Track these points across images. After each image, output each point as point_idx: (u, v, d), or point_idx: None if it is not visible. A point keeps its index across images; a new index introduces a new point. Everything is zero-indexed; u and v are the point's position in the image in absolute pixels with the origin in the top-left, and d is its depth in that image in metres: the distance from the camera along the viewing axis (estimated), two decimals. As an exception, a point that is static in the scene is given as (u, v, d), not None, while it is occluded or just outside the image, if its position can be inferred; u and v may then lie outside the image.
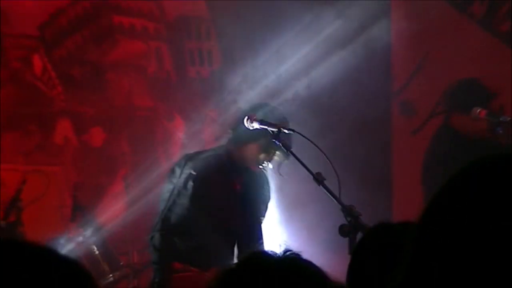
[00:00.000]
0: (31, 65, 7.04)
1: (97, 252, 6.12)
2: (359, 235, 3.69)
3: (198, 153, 4.76)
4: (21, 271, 1.21)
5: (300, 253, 1.87)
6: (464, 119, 6.41)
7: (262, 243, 4.58)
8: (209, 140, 6.84)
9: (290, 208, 6.26)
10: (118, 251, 6.24)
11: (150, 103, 7.04)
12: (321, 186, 4.01)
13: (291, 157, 4.21)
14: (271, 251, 1.83)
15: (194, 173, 4.53)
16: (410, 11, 6.86)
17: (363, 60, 6.80)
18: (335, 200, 3.90)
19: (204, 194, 4.52)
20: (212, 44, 7.09)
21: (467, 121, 6.20)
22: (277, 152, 4.40)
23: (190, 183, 4.51)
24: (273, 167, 4.53)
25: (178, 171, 4.57)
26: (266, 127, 4.31)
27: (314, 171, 4.08)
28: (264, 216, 4.69)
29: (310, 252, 2.04)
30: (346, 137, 6.77)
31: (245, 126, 4.30)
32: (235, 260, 4.31)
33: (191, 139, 6.91)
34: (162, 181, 6.76)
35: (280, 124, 4.28)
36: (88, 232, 6.18)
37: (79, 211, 6.54)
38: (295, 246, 1.94)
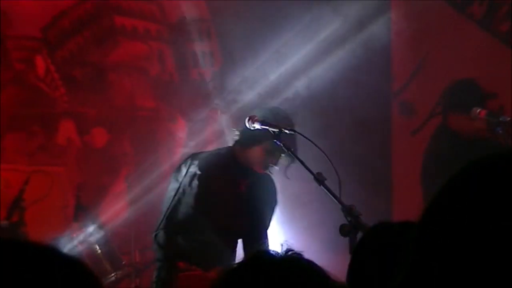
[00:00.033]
0: (34, 67, 7.04)
1: (99, 251, 6.12)
2: (359, 235, 3.68)
3: (204, 153, 4.76)
4: (23, 271, 1.21)
5: (301, 253, 1.87)
6: (460, 119, 6.41)
7: (267, 245, 4.56)
8: (211, 140, 6.84)
9: (291, 207, 6.26)
10: (120, 251, 6.24)
11: (152, 104, 7.04)
12: (321, 186, 4.02)
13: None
14: (273, 251, 1.82)
15: (199, 172, 4.52)
16: (410, 11, 6.86)
17: (363, 60, 6.80)
18: (335, 200, 3.90)
19: (208, 194, 4.51)
20: (213, 45, 7.09)
21: (464, 121, 6.21)
22: (283, 155, 4.37)
23: (195, 182, 4.50)
24: (280, 170, 4.50)
25: (184, 169, 4.56)
26: (267, 127, 4.30)
27: (315, 171, 4.08)
28: (270, 220, 4.66)
29: (312, 252, 2.04)
30: (346, 137, 6.77)
31: (277, 142, 4.29)
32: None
33: (192, 139, 6.92)
34: (164, 181, 6.78)
35: (281, 125, 4.28)
36: (90, 229, 6.19)
37: (82, 211, 6.54)
38: (296, 246, 1.93)
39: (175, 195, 4.54)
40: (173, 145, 6.96)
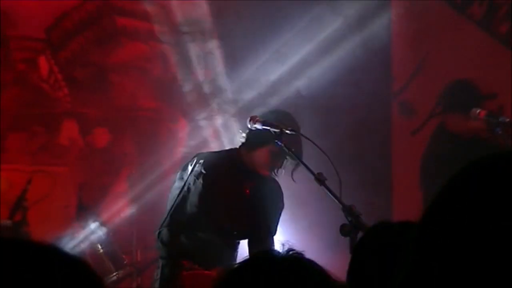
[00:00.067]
0: (37, 67, 7.04)
1: (101, 251, 6.13)
2: (359, 235, 3.68)
3: (211, 153, 4.75)
4: (24, 270, 1.20)
5: (302, 252, 1.87)
6: (458, 120, 6.43)
7: (272, 247, 4.52)
8: (212, 141, 6.84)
9: (292, 207, 6.25)
10: (121, 250, 6.24)
11: (154, 105, 7.04)
12: (322, 186, 4.02)
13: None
14: (274, 251, 1.82)
15: (204, 171, 4.50)
16: (410, 12, 6.86)
17: (363, 60, 6.80)
18: (336, 200, 3.90)
19: (212, 194, 4.50)
20: (215, 45, 7.09)
21: (461, 122, 6.22)
22: (287, 158, 4.35)
23: (200, 181, 4.49)
24: (287, 173, 4.47)
25: (189, 168, 4.55)
26: (268, 128, 4.30)
27: (315, 171, 4.08)
28: (275, 222, 4.62)
29: (312, 251, 2.03)
30: (346, 137, 6.76)
31: (256, 130, 4.29)
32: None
33: (194, 140, 6.92)
34: (165, 181, 6.78)
35: (282, 125, 4.28)
36: (92, 226, 6.19)
37: (83, 210, 6.55)
38: (297, 245, 1.93)
39: (179, 193, 4.52)
40: (174, 145, 6.96)
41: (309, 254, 1.91)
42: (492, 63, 6.76)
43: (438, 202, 1.19)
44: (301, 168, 4.24)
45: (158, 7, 7.01)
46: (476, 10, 6.92)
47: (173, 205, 4.53)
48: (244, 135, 4.55)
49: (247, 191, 4.54)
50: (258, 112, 4.73)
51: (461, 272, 1.10)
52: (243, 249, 4.67)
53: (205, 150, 4.85)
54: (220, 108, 6.96)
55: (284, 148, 4.21)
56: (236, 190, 4.53)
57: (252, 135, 4.43)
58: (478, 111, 5.18)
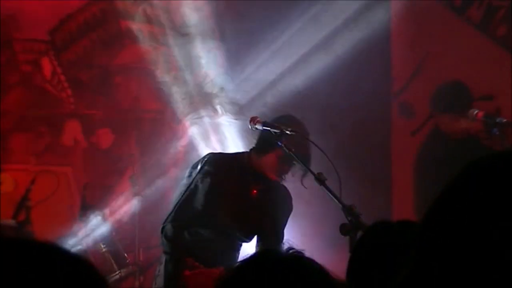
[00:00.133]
0: (41, 69, 7.04)
1: (104, 250, 6.13)
2: (359, 234, 3.67)
3: (221, 154, 4.75)
4: (26, 270, 1.19)
5: (303, 251, 1.86)
6: (449, 120, 6.45)
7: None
8: (214, 141, 6.84)
9: (294, 205, 6.24)
10: (124, 249, 6.24)
11: (157, 106, 7.03)
12: (322, 186, 4.01)
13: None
14: (274, 250, 1.81)
15: (213, 171, 4.49)
16: (410, 13, 6.85)
17: (362, 61, 6.79)
18: (336, 200, 3.89)
19: (218, 194, 4.48)
20: (216, 46, 7.08)
21: (452, 122, 6.24)
22: (296, 163, 4.32)
23: (208, 180, 4.48)
24: (296, 178, 4.45)
25: (199, 167, 4.54)
26: (268, 128, 4.30)
27: (316, 171, 4.07)
28: (282, 227, 4.60)
29: (313, 249, 2.02)
30: (346, 137, 6.76)
31: (266, 135, 4.28)
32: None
33: (195, 140, 6.91)
34: (168, 181, 6.79)
35: (281, 126, 4.27)
36: (95, 221, 6.20)
37: (87, 210, 6.55)
38: (297, 244, 1.92)
39: (186, 190, 4.52)
40: (176, 146, 6.95)
41: (309, 253, 1.90)
42: (490, 65, 6.76)
43: (438, 203, 1.18)
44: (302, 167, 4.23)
45: (160, 10, 7.01)
46: (475, 12, 6.92)
47: (179, 202, 4.52)
48: (254, 140, 4.53)
49: (254, 193, 4.53)
50: (258, 112, 4.72)
51: (461, 272, 1.10)
52: (245, 250, 4.66)
53: (228, 152, 4.81)
54: (221, 108, 6.96)
55: (285, 149, 4.21)
56: (243, 192, 4.52)
57: (261, 140, 4.42)
58: (475, 112, 5.17)
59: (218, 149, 6.43)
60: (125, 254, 6.22)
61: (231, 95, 6.96)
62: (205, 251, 4.48)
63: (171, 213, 4.53)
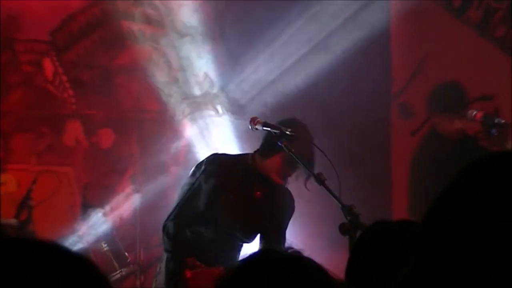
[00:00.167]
0: (42, 69, 7.04)
1: (106, 249, 6.13)
2: (359, 234, 3.66)
3: (225, 155, 4.72)
4: (27, 270, 1.18)
5: (301, 251, 1.86)
6: (443, 121, 6.46)
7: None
8: (215, 141, 6.84)
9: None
10: (125, 249, 6.24)
11: (158, 106, 7.03)
12: (322, 186, 4.01)
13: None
14: (273, 250, 1.81)
15: (217, 171, 4.48)
16: (409, 15, 6.85)
17: (362, 61, 6.79)
18: (335, 200, 3.89)
19: (221, 194, 4.47)
20: (217, 47, 7.08)
21: (447, 123, 6.26)
22: (300, 166, 4.30)
23: (211, 180, 4.46)
24: (300, 180, 4.44)
25: (203, 167, 4.53)
26: (268, 129, 4.29)
27: (316, 171, 4.07)
28: (284, 229, 4.58)
29: (313, 249, 2.02)
30: (346, 137, 6.75)
31: (270, 138, 4.27)
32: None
33: (197, 141, 6.91)
34: (169, 181, 6.79)
35: (281, 126, 4.27)
36: (95, 218, 6.21)
37: (88, 210, 6.55)
38: (298, 243, 1.92)
39: (189, 189, 4.50)
40: (177, 146, 6.95)
41: (309, 252, 1.90)
42: (489, 66, 6.77)
43: (438, 203, 1.18)
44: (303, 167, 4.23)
45: (160, 10, 7.01)
46: (474, 13, 6.93)
47: (181, 200, 4.51)
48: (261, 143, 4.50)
49: (257, 195, 4.51)
50: (258, 112, 4.71)
51: (460, 272, 1.10)
52: (245, 250, 4.65)
53: (233, 154, 4.79)
54: (221, 108, 6.96)
55: (285, 149, 4.20)
56: (246, 193, 4.50)
57: (266, 142, 4.40)
58: (474, 112, 5.16)
59: (218, 149, 6.42)
60: (126, 254, 6.22)
61: (231, 95, 6.96)
62: (206, 251, 4.47)
63: (173, 211, 4.52)
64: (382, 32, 6.87)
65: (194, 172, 4.55)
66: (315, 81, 6.76)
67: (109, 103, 7.06)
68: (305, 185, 4.32)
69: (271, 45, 6.85)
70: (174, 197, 4.73)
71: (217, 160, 4.54)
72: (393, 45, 7.00)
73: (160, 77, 7.01)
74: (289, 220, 4.62)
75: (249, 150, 4.81)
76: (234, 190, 4.49)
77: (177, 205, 4.52)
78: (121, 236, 6.36)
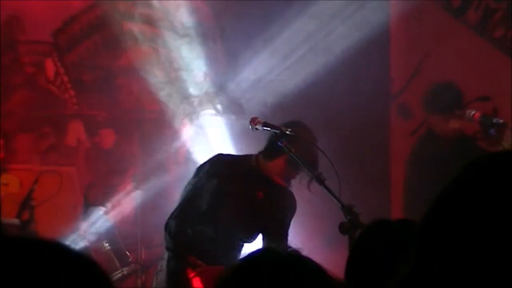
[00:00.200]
0: (44, 70, 7.04)
1: (108, 248, 6.13)
2: (358, 233, 3.66)
3: (230, 155, 4.72)
4: (29, 269, 1.18)
5: (300, 250, 1.85)
6: (439, 121, 6.47)
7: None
8: (215, 141, 6.84)
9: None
10: (126, 248, 6.24)
11: (159, 107, 7.03)
12: (322, 186, 4.01)
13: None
14: (273, 249, 1.81)
15: (220, 172, 4.48)
16: (408, 15, 6.85)
17: (362, 62, 6.79)
18: (335, 200, 3.89)
19: (224, 194, 4.46)
20: (218, 48, 7.08)
21: (442, 122, 6.26)
22: (303, 168, 4.29)
23: (214, 181, 4.46)
24: (303, 183, 4.42)
25: (207, 167, 4.52)
26: (268, 128, 4.29)
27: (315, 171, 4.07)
28: (287, 229, 4.57)
29: (313, 248, 2.02)
30: (345, 137, 6.75)
31: (274, 140, 4.26)
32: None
33: (197, 140, 6.92)
34: (170, 181, 6.79)
35: (281, 126, 4.27)
36: (97, 215, 6.21)
37: (90, 209, 6.56)
38: (298, 242, 1.91)
39: (192, 189, 4.50)
40: (178, 146, 6.95)
41: (309, 252, 1.89)
42: (487, 67, 6.77)
43: (438, 203, 1.18)
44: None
45: (160, 11, 7.01)
46: (472, 15, 6.93)
47: (184, 199, 4.51)
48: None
49: (260, 196, 4.51)
50: (258, 112, 4.70)
51: (461, 272, 1.09)
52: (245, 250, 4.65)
53: (237, 155, 4.78)
54: (221, 108, 6.96)
55: (285, 149, 4.20)
56: (248, 194, 4.50)
57: (270, 144, 4.39)
58: (472, 112, 5.16)
59: (218, 149, 6.42)
60: (128, 253, 6.22)
61: (230, 95, 6.96)
62: (207, 250, 4.47)
63: (176, 210, 4.52)
64: (382, 32, 6.87)
65: (197, 172, 4.55)
66: (315, 81, 6.75)
67: (110, 103, 7.07)
68: (308, 187, 4.30)
69: (271, 45, 6.85)
70: (175, 197, 4.73)
71: (221, 161, 4.53)
72: (392, 45, 7.00)
73: (160, 77, 7.01)
74: (290, 220, 4.61)
75: (248, 149, 4.80)
76: (237, 191, 4.48)
77: (180, 204, 4.52)
78: (122, 235, 6.36)
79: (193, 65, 7.00)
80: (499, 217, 1.10)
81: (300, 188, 4.47)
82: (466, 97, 6.76)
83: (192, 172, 4.67)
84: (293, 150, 4.19)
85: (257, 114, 4.58)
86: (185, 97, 6.99)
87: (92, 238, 6.29)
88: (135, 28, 7.04)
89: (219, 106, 6.98)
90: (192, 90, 6.99)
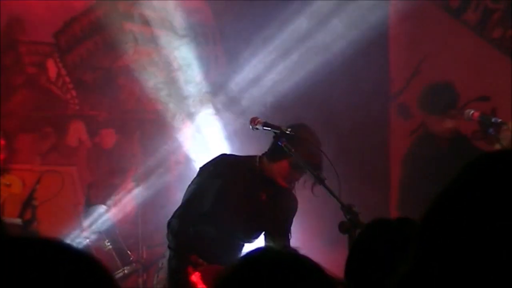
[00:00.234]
0: (46, 71, 7.05)
1: (109, 247, 6.14)
2: (358, 232, 3.66)
3: (233, 156, 4.70)
4: (30, 268, 1.18)
5: (297, 249, 1.85)
6: (435, 120, 6.48)
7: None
8: (215, 140, 6.84)
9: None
10: (128, 248, 6.24)
11: (159, 107, 7.03)
12: (322, 186, 4.01)
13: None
14: (271, 248, 1.81)
15: (224, 172, 4.47)
16: (408, 16, 6.85)
17: (361, 62, 6.79)
18: (335, 199, 3.89)
19: (227, 195, 4.45)
20: (218, 49, 7.09)
21: (437, 122, 6.28)
22: (307, 172, 4.28)
23: (217, 181, 4.45)
24: (307, 187, 4.41)
25: (211, 167, 4.52)
26: (269, 128, 4.29)
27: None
28: (289, 231, 4.57)
29: (313, 247, 2.02)
30: (345, 137, 6.75)
31: (278, 142, 4.26)
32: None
33: (198, 140, 6.91)
34: (170, 181, 6.79)
35: (281, 126, 4.27)
36: (98, 211, 6.21)
37: (92, 209, 6.56)
38: (298, 241, 1.92)
39: (195, 188, 4.49)
40: (178, 146, 6.95)
41: (309, 251, 1.89)
42: (486, 67, 6.77)
43: (438, 203, 1.18)
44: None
45: (160, 12, 7.01)
46: (471, 15, 6.93)
47: (187, 199, 4.50)
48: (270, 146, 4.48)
49: (263, 198, 4.50)
50: (258, 112, 4.70)
51: (461, 272, 1.09)
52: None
53: (241, 155, 4.77)
54: (221, 107, 6.96)
55: (285, 149, 4.20)
56: (251, 195, 4.48)
57: (274, 147, 4.38)
58: (471, 112, 5.16)
59: (219, 149, 6.43)
60: (129, 252, 6.22)
61: (230, 95, 6.96)
62: (208, 249, 4.46)
63: (178, 209, 4.51)
64: (382, 32, 6.87)
65: (201, 172, 4.54)
66: (314, 81, 6.75)
67: (111, 103, 7.07)
68: (311, 190, 4.29)
69: (270, 45, 6.84)
70: (176, 196, 4.72)
71: (225, 161, 4.52)
72: (392, 45, 7.00)
73: (160, 78, 7.01)
74: (292, 220, 4.61)
75: (249, 149, 4.80)
76: (240, 192, 4.47)
77: (183, 203, 4.51)
78: (123, 234, 6.36)
79: (193, 65, 7.00)
80: (499, 217, 1.10)
81: (300, 188, 4.46)
82: (465, 96, 6.77)
83: (192, 171, 4.67)
84: (293, 150, 4.19)
85: (257, 114, 4.57)
86: (185, 97, 6.99)
87: (93, 237, 6.29)
88: (135, 28, 7.04)
89: (219, 106, 6.98)
90: (192, 90, 6.99)
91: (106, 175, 7.00)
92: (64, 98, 7.06)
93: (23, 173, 6.87)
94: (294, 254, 1.74)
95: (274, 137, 4.29)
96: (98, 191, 6.90)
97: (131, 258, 6.17)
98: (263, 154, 4.48)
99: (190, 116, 6.99)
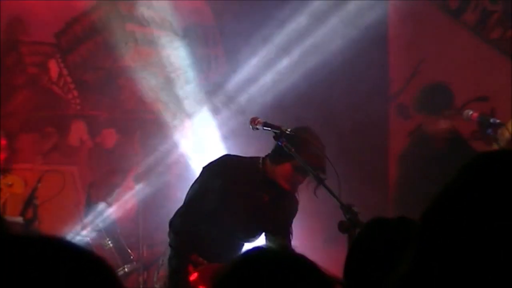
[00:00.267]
0: (47, 70, 7.05)
1: (110, 245, 6.14)
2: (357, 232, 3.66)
3: (237, 157, 4.69)
4: (31, 267, 1.18)
5: (294, 247, 1.85)
6: (430, 121, 6.49)
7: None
8: (215, 140, 6.84)
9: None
10: (128, 246, 6.25)
11: (160, 107, 7.04)
12: (322, 186, 4.01)
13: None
14: (269, 247, 1.81)
15: (226, 173, 4.46)
16: (407, 17, 6.85)
17: (361, 63, 6.79)
18: (335, 199, 3.89)
19: (229, 196, 4.44)
20: (218, 49, 7.09)
21: (433, 122, 6.29)
22: (310, 174, 4.27)
23: (220, 181, 4.44)
24: (309, 189, 4.41)
25: (213, 167, 4.51)
26: (269, 128, 4.29)
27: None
28: (289, 229, 4.57)
29: (312, 247, 2.02)
30: (345, 137, 6.75)
31: (278, 142, 4.25)
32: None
33: (198, 140, 6.92)
34: (171, 180, 6.79)
35: (282, 126, 4.27)
36: (99, 208, 6.21)
37: (92, 208, 6.56)
38: (298, 241, 1.92)
39: (198, 188, 4.49)
40: (179, 146, 6.95)
41: (309, 250, 1.90)
42: (485, 67, 6.77)
43: (437, 203, 1.18)
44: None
45: (161, 12, 7.01)
46: (470, 16, 6.93)
47: (190, 198, 4.50)
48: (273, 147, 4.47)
49: (265, 199, 4.49)
50: (258, 112, 4.68)
51: (461, 272, 1.09)
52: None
53: (244, 156, 4.77)
54: (221, 107, 6.96)
55: (285, 149, 4.20)
56: (253, 197, 4.47)
57: (277, 149, 4.37)
58: (470, 112, 5.16)
59: (218, 149, 6.43)
60: (129, 251, 6.22)
61: (231, 95, 6.96)
62: (209, 249, 4.46)
63: (181, 208, 4.51)
64: (381, 33, 6.87)
65: (204, 172, 4.53)
66: (314, 81, 6.75)
67: (112, 103, 7.07)
68: (314, 192, 4.29)
69: (270, 45, 6.84)
70: (176, 195, 4.72)
71: (228, 162, 4.51)
72: (391, 46, 7.00)
73: (161, 78, 7.01)
74: (292, 220, 4.61)
75: (248, 149, 4.79)
76: (242, 193, 4.46)
77: (185, 202, 4.51)
78: (124, 233, 6.36)
79: (193, 65, 7.00)
80: (498, 217, 1.10)
81: (301, 188, 4.46)
82: (464, 97, 6.77)
83: (192, 171, 4.67)
84: (293, 149, 4.19)
85: (257, 114, 4.57)
86: (185, 97, 6.99)
87: (94, 236, 6.29)
88: (136, 29, 7.04)
89: (219, 106, 6.98)
90: (192, 90, 6.99)
91: (107, 174, 7.00)
92: (65, 98, 7.06)
93: (25, 172, 6.87)
94: (292, 254, 1.75)
95: (274, 137, 4.28)
96: (99, 190, 6.90)
97: (132, 257, 6.17)
98: (266, 156, 4.46)
99: (190, 116, 6.99)
